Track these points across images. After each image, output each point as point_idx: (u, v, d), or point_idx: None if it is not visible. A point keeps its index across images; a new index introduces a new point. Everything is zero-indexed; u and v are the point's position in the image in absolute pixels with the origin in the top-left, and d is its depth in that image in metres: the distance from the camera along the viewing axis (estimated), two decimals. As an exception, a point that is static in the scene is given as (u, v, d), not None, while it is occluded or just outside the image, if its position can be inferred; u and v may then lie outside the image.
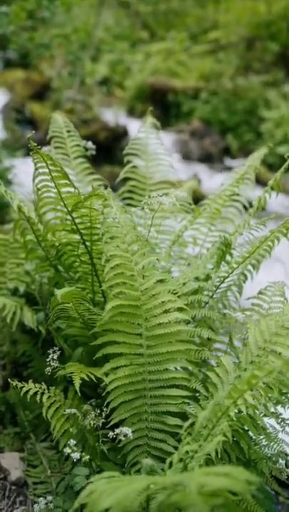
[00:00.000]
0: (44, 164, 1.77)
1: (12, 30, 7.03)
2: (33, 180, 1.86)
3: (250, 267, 2.24)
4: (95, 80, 8.09)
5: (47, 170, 1.79)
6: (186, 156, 7.02)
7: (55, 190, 1.86)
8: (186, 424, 1.40)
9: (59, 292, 1.54)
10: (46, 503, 1.68)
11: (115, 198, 1.87)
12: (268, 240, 1.90)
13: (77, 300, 1.72)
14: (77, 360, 2.03)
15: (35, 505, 1.69)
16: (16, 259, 2.52)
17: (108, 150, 6.29)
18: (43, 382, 1.80)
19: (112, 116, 7.34)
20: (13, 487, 1.91)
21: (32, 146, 1.69)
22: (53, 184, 1.83)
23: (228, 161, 7.05)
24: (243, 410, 1.42)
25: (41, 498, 1.70)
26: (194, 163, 6.92)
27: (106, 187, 1.87)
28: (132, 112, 8.01)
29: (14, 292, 2.43)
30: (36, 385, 1.73)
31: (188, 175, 5.99)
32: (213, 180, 6.02)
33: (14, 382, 1.71)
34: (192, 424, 1.41)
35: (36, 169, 1.81)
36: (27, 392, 1.70)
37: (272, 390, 1.46)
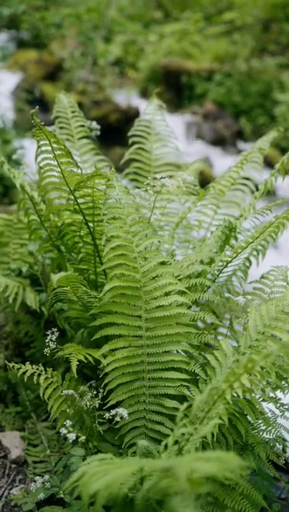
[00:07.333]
0: (47, 142, 1.74)
1: (23, 9, 6.98)
2: (36, 158, 1.84)
3: (255, 253, 2.21)
4: (107, 61, 8.00)
5: (50, 148, 1.76)
6: (199, 139, 6.95)
7: (57, 169, 1.83)
8: (183, 407, 1.39)
9: (54, 277, 1.52)
10: (43, 482, 1.69)
11: (119, 178, 1.84)
12: (273, 226, 1.87)
13: (75, 284, 1.70)
14: (79, 341, 2.03)
15: (32, 484, 1.70)
16: (20, 239, 2.51)
17: (119, 132, 6.23)
18: (44, 363, 1.80)
19: (125, 97, 7.28)
20: (13, 465, 1.93)
21: (35, 121, 1.66)
22: (55, 163, 1.81)
23: (241, 145, 6.97)
24: (240, 394, 1.41)
25: (38, 477, 1.71)
26: (207, 146, 6.85)
27: (111, 168, 1.85)
28: (144, 94, 7.92)
29: (19, 273, 2.43)
30: (34, 366, 1.73)
31: (200, 158, 5.93)
32: (225, 164, 5.95)
33: (11, 364, 1.71)
34: (189, 407, 1.40)
35: (39, 147, 1.79)
36: (25, 373, 1.71)
37: (270, 374, 1.44)
